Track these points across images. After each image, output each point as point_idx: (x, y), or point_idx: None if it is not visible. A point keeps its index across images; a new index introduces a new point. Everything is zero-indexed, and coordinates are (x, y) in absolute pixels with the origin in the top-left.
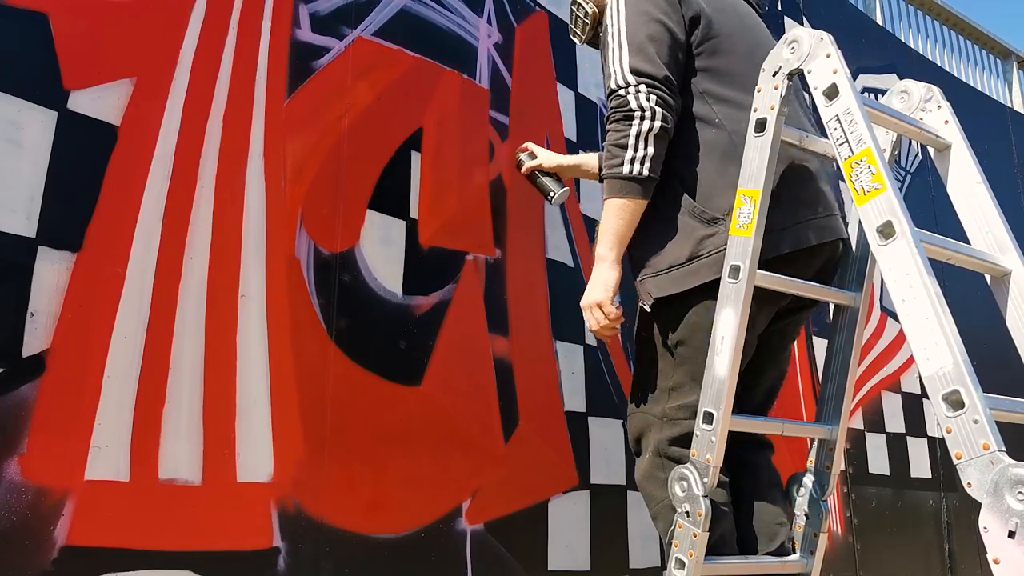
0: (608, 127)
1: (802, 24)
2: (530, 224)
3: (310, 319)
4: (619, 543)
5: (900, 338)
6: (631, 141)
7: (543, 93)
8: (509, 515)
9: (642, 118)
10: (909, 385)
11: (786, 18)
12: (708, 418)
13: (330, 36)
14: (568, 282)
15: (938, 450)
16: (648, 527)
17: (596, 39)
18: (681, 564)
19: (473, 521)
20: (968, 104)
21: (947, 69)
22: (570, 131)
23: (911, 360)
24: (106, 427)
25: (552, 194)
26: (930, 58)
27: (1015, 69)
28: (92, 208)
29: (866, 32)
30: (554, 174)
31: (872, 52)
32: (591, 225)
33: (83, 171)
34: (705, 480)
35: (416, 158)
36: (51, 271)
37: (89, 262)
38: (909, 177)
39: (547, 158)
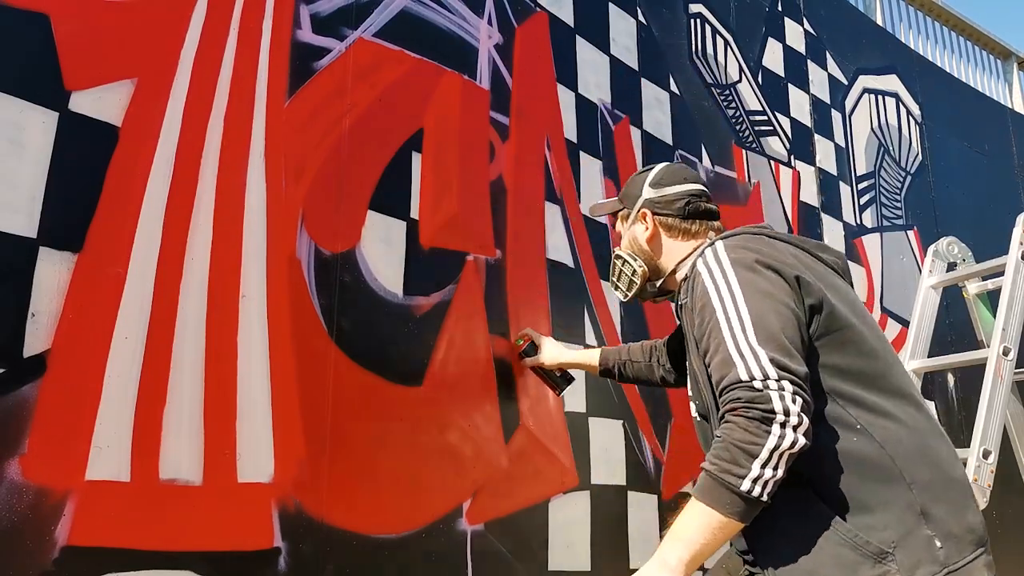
0: (733, 418)
1: (801, 24)
2: (530, 224)
3: (311, 319)
4: (619, 543)
5: (900, 338)
6: (764, 454)
7: (543, 94)
8: (509, 515)
9: (784, 425)
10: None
11: (786, 18)
12: None
13: (331, 37)
14: (568, 282)
15: None
16: (648, 527)
17: (644, 295)
18: None
19: (473, 521)
20: (968, 105)
21: (947, 70)
22: (570, 132)
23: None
24: (107, 427)
25: (559, 388)
26: (930, 59)
27: (1015, 70)
28: (93, 209)
29: (866, 32)
30: (561, 370)
31: (872, 52)
32: (591, 225)
33: (84, 172)
34: None
35: (417, 159)
36: (52, 271)
37: (90, 262)
38: (909, 178)
39: (548, 355)
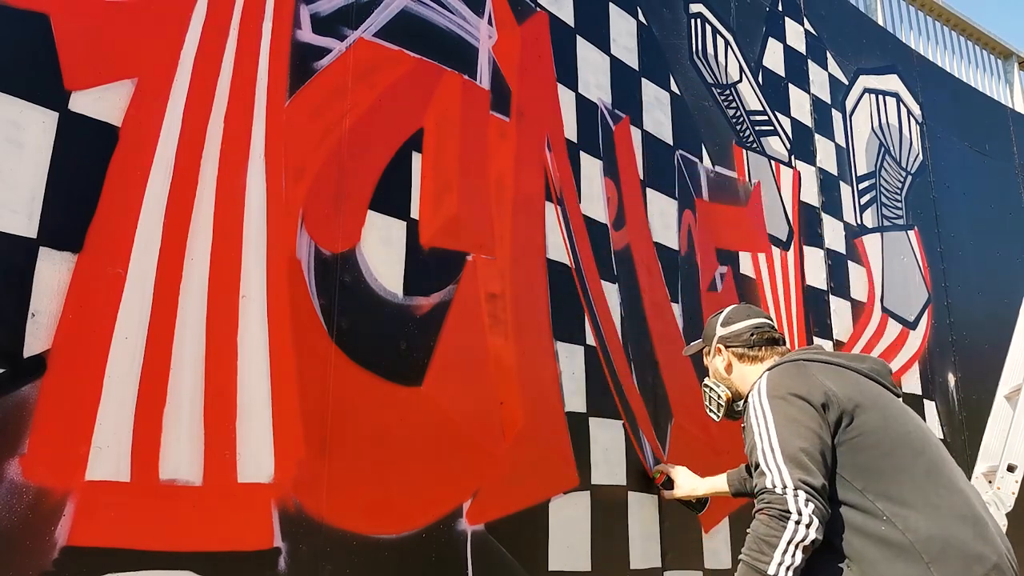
0: (759, 516)
1: (802, 24)
2: (530, 224)
3: (311, 320)
4: (619, 543)
5: (900, 338)
6: (783, 545)
7: (543, 94)
8: (509, 515)
9: (797, 523)
10: (909, 386)
11: (787, 18)
12: None
13: (331, 37)
14: (568, 282)
15: None
16: (648, 527)
17: (733, 415)
18: None
19: (474, 521)
20: (969, 104)
21: (948, 69)
22: (570, 131)
23: (911, 360)
24: (107, 427)
25: (697, 511)
26: (931, 58)
27: (1016, 69)
28: (93, 209)
29: (866, 32)
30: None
31: (872, 52)
32: (591, 225)
33: (84, 172)
34: None
35: (417, 159)
36: (52, 272)
37: (90, 263)
38: (910, 178)
39: (685, 487)
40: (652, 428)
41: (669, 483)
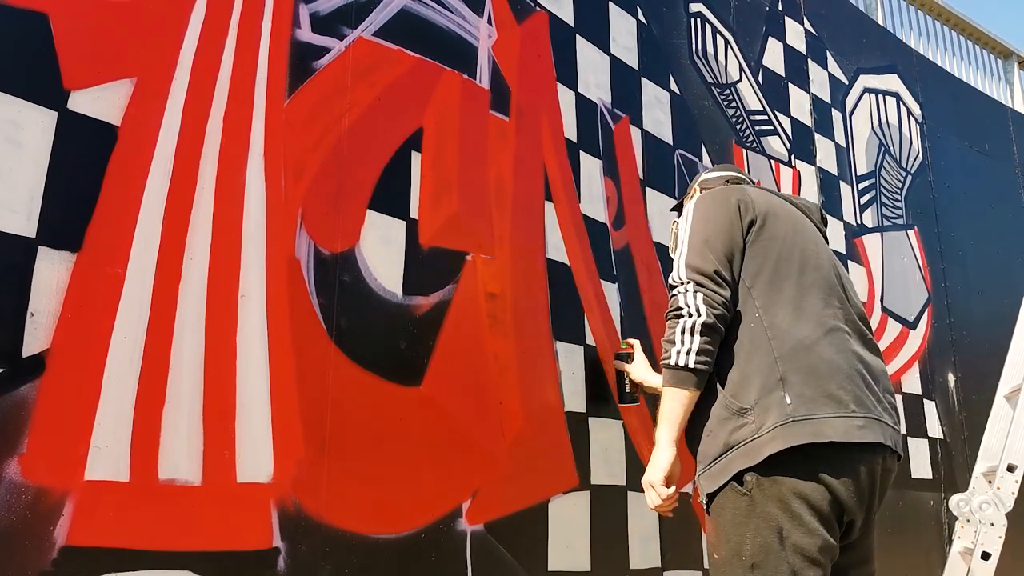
0: (666, 322)
1: (802, 24)
2: (530, 224)
3: (310, 319)
4: (619, 543)
5: (900, 338)
6: (677, 335)
7: (543, 93)
8: (509, 515)
9: (689, 315)
10: (909, 386)
11: (787, 17)
12: None
13: (330, 36)
14: (568, 282)
15: (939, 451)
16: (648, 527)
17: None
18: None
19: (473, 521)
20: (969, 104)
21: (948, 69)
22: (570, 131)
23: (911, 360)
24: (106, 427)
25: (622, 399)
26: (931, 58)
27: (1016, 69)
28: (92, 208)
29: (866, 32)
30: (636, 384)
31: (872, 52)
32: (591, 225)
33: (83, 171)
34: None
35: (416, 158)
36: (51, 271)
37: (89, 262)
38: (910, 177)
39: (637, 369)
40: (652, 428)
41: (627, 358)
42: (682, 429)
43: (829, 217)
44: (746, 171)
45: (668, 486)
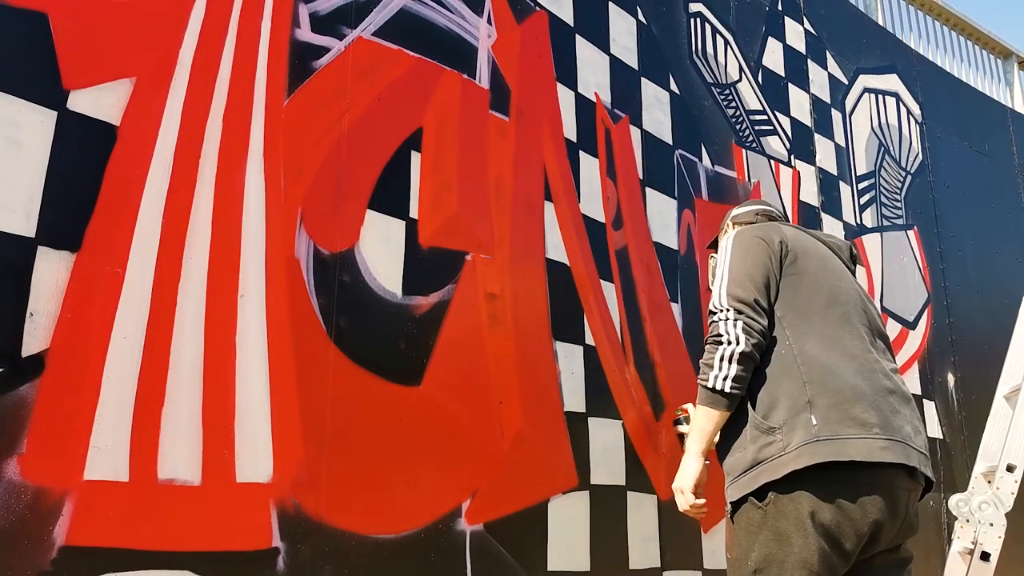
0: (705, 345)
1: (802, 24)
2: (530, 224)
3: (310, 319)
4: (619, 543)
5: (900, 338)
6: (716, 362)
7: (543, 93)
8: (509, 515)
9: (728, 343)
10: (909, 386)
11: (786, 17)
12: None
13: (330, 36)
14: (568, 282)
15: (938, 451)
16: (647, 527)
17: None
18: None
19: (473, 521)
20: (969, 104)
21: (947, 69)
22: (570, 131)
23: (911, 360)
24: (105, 427)
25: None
26: (930, 58)
27: (1016, 69)
28: (91, 208)
29: (866, 32)
30: None
31: (872, 52)
32: (591, 225)
33: (83, 171)
34: None
35: (416, 158)
36: (51, 271)
37: (89, 262)
38: (909, 177)
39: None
40: (652, 428)
41: (686, 423)
42: (711, 443)
43: (828, 218)
44: (774, 206)
45: (696, 493)
